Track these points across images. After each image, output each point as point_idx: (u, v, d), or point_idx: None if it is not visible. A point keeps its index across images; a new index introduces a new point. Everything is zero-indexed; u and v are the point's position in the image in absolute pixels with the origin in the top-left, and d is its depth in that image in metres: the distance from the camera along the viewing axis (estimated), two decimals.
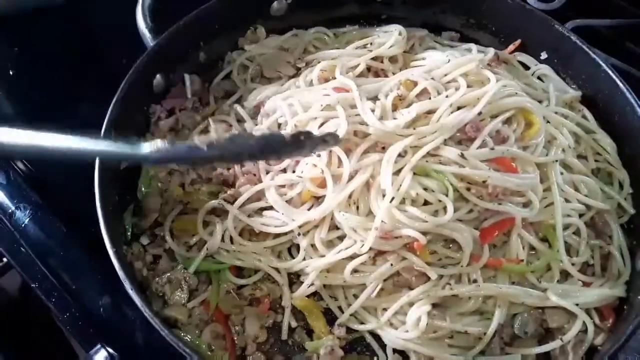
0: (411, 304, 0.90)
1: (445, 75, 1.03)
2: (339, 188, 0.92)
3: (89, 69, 1.27)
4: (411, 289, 0.91)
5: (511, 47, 1.20)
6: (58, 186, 1.11)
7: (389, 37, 1.14)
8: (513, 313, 0.93)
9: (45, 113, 1.17)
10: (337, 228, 0.94)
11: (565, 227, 0.98)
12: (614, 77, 1.07)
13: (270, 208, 0.98)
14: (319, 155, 0.95)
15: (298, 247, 0.96)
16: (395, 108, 0.99)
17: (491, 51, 1.15)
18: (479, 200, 0.91)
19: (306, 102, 1.02)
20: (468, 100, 0.97)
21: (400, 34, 1.15)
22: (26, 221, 1.05)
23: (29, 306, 1.04)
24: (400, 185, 0.90)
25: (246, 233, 0.99)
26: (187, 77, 1.14)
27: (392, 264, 0.90)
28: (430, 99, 0.99)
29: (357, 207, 0.93)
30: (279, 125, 1.05)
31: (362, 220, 0.91)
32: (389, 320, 0.91)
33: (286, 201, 0.97)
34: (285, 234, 0.96)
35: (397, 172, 0.91)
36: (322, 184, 0.94)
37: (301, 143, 0.84)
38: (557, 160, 1.00)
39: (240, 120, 1.10)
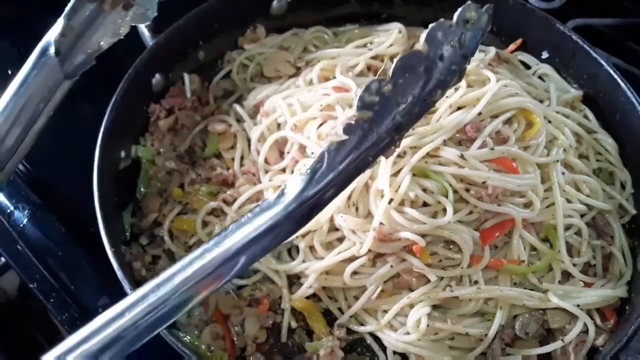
0: (411, 306, 0.90)
1: None
2: None
3: (88, 67, 1.27)
4: (411, 290, 0.91)
5: (512, 46, 1.20)
6: (57, 186, 1.11)
7: (389, 36, 1.14)
8: (514, 314, 0.92)
9: None
10: (337, 229, 0.94)
11: (567, 227, 0.97)
12: (615, 76, 1.06)
13: None
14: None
15: (298, 247, 0.96)
16: None
17: (492, 50, 1.14)
18: (478, 201, 0.91)
19: (306, 101, 1.02)
20: (468, 101, 0.97)
21: (400, 32, 1.15)
22: (25, 221, 1.05)
23: (27, 306, 1.03)
24: (399, 187, 0.89)
25: None
26: (186, 76, 1.13)
27: (391, 266, 0.90)
28: None
29: (357, 209, 0.92)
30: (278, 125, 1.04)
31: (361, 222, 0.90)
32: (389, 322, 0.91)
33: None
34: None
35: (396, 173, 0.90)
36: None
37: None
38: (558, 160, 0.99)
39: (239, 120, 1.10)
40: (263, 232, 0.64)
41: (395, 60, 0.67)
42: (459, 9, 0.73)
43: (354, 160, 0.65)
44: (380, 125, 0.65)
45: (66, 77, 0.79)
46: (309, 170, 0.65)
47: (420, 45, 0.68)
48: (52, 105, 0.79)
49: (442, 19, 0.70)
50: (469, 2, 0.74)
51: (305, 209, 0.64)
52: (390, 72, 0.67)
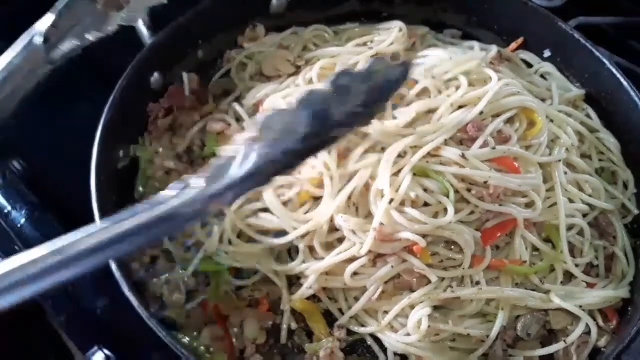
0: (412, 307, 0.89)
1: (446, 72, 1.02)
2: (336, 192, 0.91)
3: (86, 66, 1.26)
4: (412, 291, 0.90)
5: (514, 44, 1.19)
6: (54, 186, 1.10)
7: (390, 34, 1.13)
8: (516, 315, 0.92)
9: (42, 112, 1.16)
10: (337, 230, 0.93)
11: (569, 227, 0.96)
12: (617, 75, 1.06)
13: (268, 209, 0.97)
14: (316, 156, 0.94)
15: (297, 248, 0.95)
16: (394, 107, 0.98)
17: (494, 49, 1.14)
18: (479, 201, 0.90)
19: None
20: (469, 100, 0.96)
21: (400, 30, 1.14)
22: (22, 221, 1.04)
23: (24, 307, 1.03)
24: (400, 186, 0.89)
25: (245, 233, 0.98)
26: (185, 75, 1.13)
27: (392, 266, 0.89)
28: (430, 97, 0.98)
29: (357, 209, 0.92)
30: None
31: (361, 222, 0.89)
32: (389, 323, 0.90)
33: (284, 202, 0.96)
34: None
35: (396, 173, 0.90)
36: (320, 184, 0.93)
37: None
38: (560, 160, 0.98)
39: (238, 119, 1.09)
40: (157, 221, 0.65)
41: (301, 96, 0.71)
42: (369, 61, 0.77)
43: (251, 174, 0.68)
44: (278, 149, 0.69)
45: (50, 63, 0.86)
46: (209, 175, 0.67)
47: (326, 86, 0.72)
48: (34, 81, 0.87)
49: (349, 68, 0.74)
50: (379, 57, 0.78)
51: (201, 209, 0.67)
52: (295, 104, 0.71)
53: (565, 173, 0.99)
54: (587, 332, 0.91)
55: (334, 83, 0.73)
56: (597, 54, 1.09)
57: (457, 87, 0.98)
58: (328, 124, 0.71)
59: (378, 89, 0.75)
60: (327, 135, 0.72)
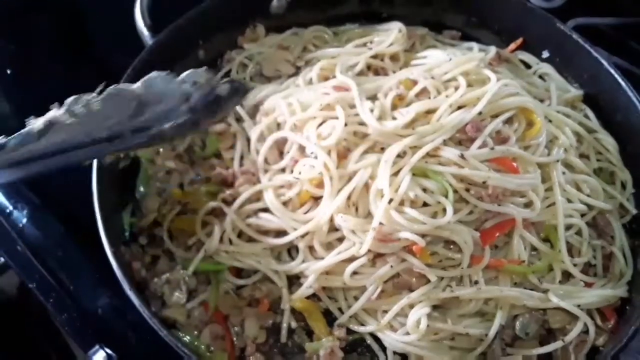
0: (411, 306, 0.89)
1: (446, 73, 1.02)
2: (336, 192, 0.92)
3: (87, 67, 1.27)
4: (411, 290, 0.90)
5: (512, 45, 1.20)
6: (56, 186, 1.10)
7: (389, 35, 1.14)
8: (514, 314, 0.92)
9: (42, 112, 1.16)
10: (337, 230, 0.93)
11: (568, 227, 0.97)
12: (616, 76, 1.06)
13: (269, 209, 0.97)
14: (316, 157, 0.94)
15: (297, 248, 0.95)
16: (394, 108, 0.99)
17: (492, 50, 1.14)
18: (478, 201, 0.91)
19: (305, 101, 1.02)
20: (468, 100, 0.96)
21: (400, 31, 1.15)
22: (24, 221, 1.04)
23: (26, 306, 1.03)
24: (399, 187, 0.89)
25: (245, 233, 0.98)
26: None
27: (391, 266, 0.90)
28: (430, 98, 0.98)
29: (357, 209, 0.92)
30: (278, 124, 1.04)
31: (361, 222, 0.90)
32: (389, 322, 0.91)
33: (284, 202, 0.97)
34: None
35: (395, 173, 0.90)
36: (321, 184, 0.93)
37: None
38: (558, 160, 0.99)
39: (239, 119, 1.09)
40: None
41: (109, 88, 0.73)
42: (188, 72, 0.78)
43: (48, 152, 0.70)
44: (83, 133, 0.71)
45: None
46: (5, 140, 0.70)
47: (135, 86, 0.75)
48: None
49: (167, 72, 0.77)
50: (202, 69, 0.80)
51: None
52: (102, 95, 0.73)
53: (564, 173, 0.99)
54: (586, 332, 0.92)
55: (146, 83, 0.75)
56: (596, 54, 1.09)
57: (457, 88, 0.99)
58: (138, 120, 0.73)
59: (201, 99, 0.77)
60: (141, 132, 0.74)
